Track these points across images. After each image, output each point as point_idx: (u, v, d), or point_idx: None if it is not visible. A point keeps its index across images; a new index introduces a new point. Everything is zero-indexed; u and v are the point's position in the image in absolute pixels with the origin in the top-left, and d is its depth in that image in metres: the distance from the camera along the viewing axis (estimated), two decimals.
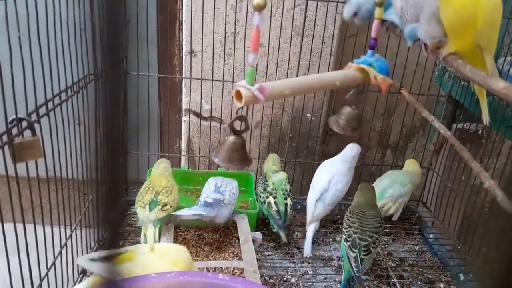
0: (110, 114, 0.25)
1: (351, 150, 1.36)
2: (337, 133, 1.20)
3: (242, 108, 0.92)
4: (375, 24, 1.06)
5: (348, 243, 1.13)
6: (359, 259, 1.10)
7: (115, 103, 0.26)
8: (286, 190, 1.36)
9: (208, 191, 1.24)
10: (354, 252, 1.11)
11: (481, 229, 1.31)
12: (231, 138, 0.95)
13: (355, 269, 1.10)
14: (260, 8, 0.75)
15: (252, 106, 1.54)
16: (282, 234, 1.33)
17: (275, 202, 1.32)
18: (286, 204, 1.33)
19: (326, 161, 1.41)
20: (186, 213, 1.18)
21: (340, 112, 1.18)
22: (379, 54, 1.11)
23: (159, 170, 1.31)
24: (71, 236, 1.11)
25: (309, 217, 1.34)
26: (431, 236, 1.47)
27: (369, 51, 1.07)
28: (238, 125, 0.97)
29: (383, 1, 1.03)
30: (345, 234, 1.16)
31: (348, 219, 1.17)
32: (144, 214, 1.17)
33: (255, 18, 0.75)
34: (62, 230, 1.06)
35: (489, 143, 1.35)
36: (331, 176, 1.34)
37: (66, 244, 1.08)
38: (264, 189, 1.37)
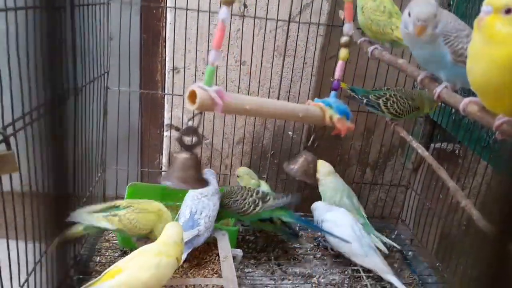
0: (54, 155, 0.24)
1: None
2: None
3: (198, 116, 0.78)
4: (340, 64, 0.99)
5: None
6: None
7: (60, 143, 0.24)
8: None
9: (184, 218, 1.22)
10: None
11: (458, 247, 1.33)
12: (183, 155, 0.81)
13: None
14: (228, 3, 0.68)
15: (234, 122, 1.56)
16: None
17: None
18: None
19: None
20: None
21: (297, 158, 1.13)
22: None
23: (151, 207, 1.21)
24: (46, 252, 1.08)
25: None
26: (409, 253, 1.49)
27: (332, 93, 1.01)
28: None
29: (348, 42, 0.99)
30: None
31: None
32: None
33: (221, 11, 0.66)
34: (37, 246, 1.03)
35: (465, 163, 1.38)
36: None
37: (40, 260, 1.05)
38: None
